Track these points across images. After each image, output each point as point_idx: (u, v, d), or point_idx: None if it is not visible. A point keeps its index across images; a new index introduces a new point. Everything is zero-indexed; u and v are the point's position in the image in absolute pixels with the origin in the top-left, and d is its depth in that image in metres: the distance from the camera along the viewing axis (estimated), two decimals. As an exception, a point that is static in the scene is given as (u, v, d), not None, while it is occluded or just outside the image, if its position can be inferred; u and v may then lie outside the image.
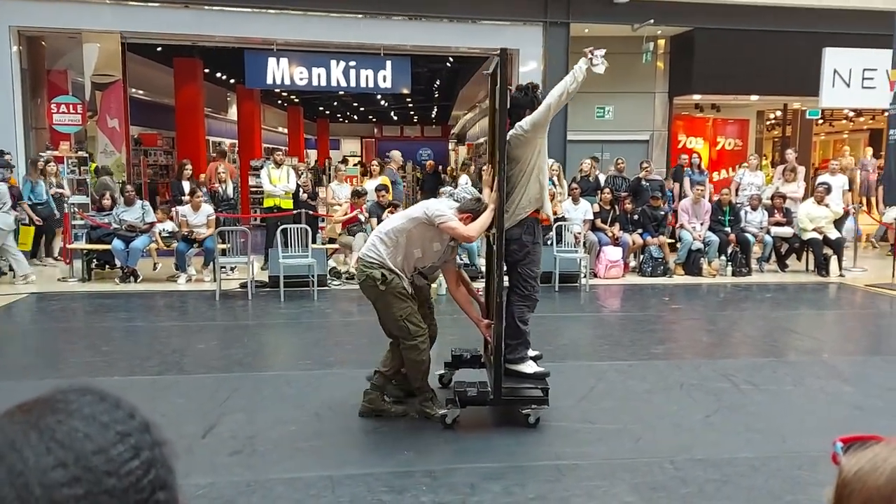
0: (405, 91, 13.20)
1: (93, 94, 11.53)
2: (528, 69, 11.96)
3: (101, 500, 0.58)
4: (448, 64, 17.76)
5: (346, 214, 9.91)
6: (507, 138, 4.31)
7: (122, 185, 10.48)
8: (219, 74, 18.45)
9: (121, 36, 11.32)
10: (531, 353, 4.54)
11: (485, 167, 4.90)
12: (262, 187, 10.99)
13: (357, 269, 4.46)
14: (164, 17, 11.13)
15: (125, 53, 11.72)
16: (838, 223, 10.62)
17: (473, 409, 4.41)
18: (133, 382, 5.12)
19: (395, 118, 33.37)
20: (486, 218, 4.30)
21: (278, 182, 10.21)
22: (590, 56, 4.33)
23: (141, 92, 16.31)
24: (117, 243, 9.09)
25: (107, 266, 9.95)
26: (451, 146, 32.05)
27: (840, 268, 10.18)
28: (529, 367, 4.46)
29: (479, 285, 5.93)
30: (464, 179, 13.67)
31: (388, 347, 4.61)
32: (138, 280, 9.25)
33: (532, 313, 4.52)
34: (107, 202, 9.69)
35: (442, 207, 4.38)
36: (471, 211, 4.38)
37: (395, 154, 12.09)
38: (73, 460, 0.59)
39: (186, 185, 10.40)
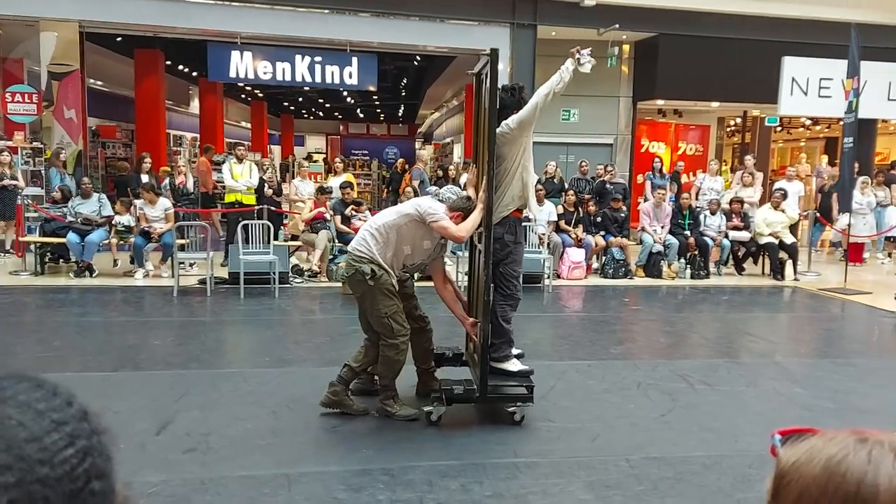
0: (371, 88, 13.15)
1: (49, 83, 11.24)
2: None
3: (34, 489, 0.57)
4: (415, 62, 17.74)
5: (311, 211, 9.82)
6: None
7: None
8: (181, 67, 18.15)
9: (79, 25, 11.06)
10: (514, 351, 4.58)
11: (470, 166, 4.90)
12: (223, 182, 10.84)
13: (346, 262, 4.43)
14: (124, 7, 10.89)
15: (83, 43, 11.46)
16: (792, 228, 10.88)
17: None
18: (86, 378, 5.00)
19: (362, 116, 33.21)
20: (475, 217, 4.30)
21: (240, 177, 10.08)
22: (577, 56, 4.37)
23: (99, 83, 15.97)
24: (72, 237, 8.89)
25: (61, 260, 9.73)
26: (417, 145, 32.03)
27: (795, 272, 10.42)
28: (514, 366, 4.51)
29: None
30: (464, 179, 13.63)
31: (362, 343, 4.57)
32: (94, 275, 9.06)
33: (515, 312, 4.56)
34: (57, 194, 9.48)
35: (434, 206, 4.38)
36: (461, 209, 4.39)
37: (423, 153, 11.95)
38: (5, 448, 0.57)
39: (145, 179, 10.21)
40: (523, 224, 9.21)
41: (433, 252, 4.50)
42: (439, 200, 4.60)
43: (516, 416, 4.30)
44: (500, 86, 4.48)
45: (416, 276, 7.81)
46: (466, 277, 8.84)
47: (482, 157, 4.55)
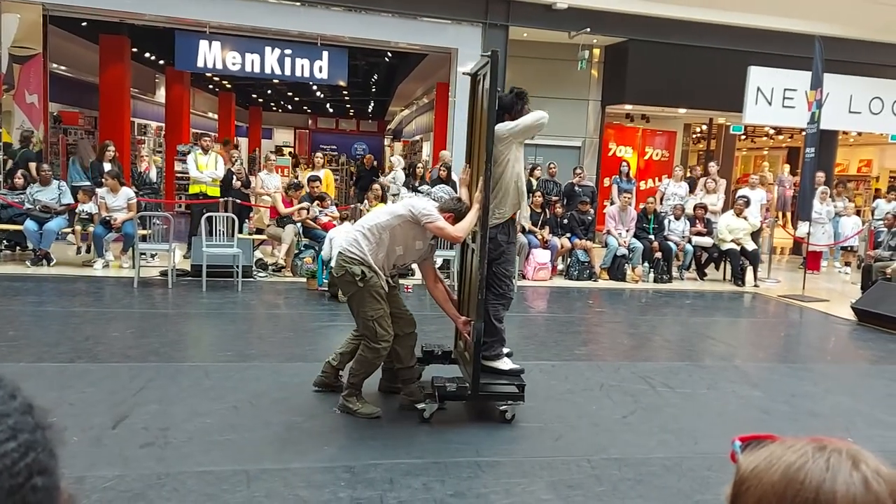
0: (341, 83, 13.03)
1: (10, 66, 10.94)
2: (467, 69, 11.99)
3: None
4: (387, 59, 17.67)
5: (298, 209, 9.57)
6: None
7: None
8: (147, 54, 17.81)
9: (43, 7, 10.78)
10: (505, 349, 4.64)
11: (463, 167, 4.97)
12: (187, 173, 10.67)
13: (336, 262, 4.44)
14: (90, -9, 10.65)
15: (47, 26, 11.17)
16: (753, 235, 11.07)
17: (392, 406, 4.41)
18: (41, 370, 4.88)
19: (331, 110, 32.98)
20: (472, 218, 4.35)
21: (205, 168, 9.94)
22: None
23: (63, 68, 15.59)
24: (30, 224, 8.68)
25: (18, 248, 9.48)
26: (386, 142, 31.94)
27: (755, 278, 10.63)
28: (505, 364, 4.58)
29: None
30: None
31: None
32: (51, 263, 8.85)
33: (507, 311, 4.62)
34: (19, 181, 9.24)
35: (429, 207, 4.41)
36: (452, 210, 4.44)
37: (446, 154, 11.78)
38: None
39: (108, 167, 10.00)
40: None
41: (424, 252, 4.54)
42: (433, 200, 4.63)
43: (507, 414, 4.36)
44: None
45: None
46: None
47: (478, 157, 4.63)
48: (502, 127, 4.37)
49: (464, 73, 5.34)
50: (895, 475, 0.71)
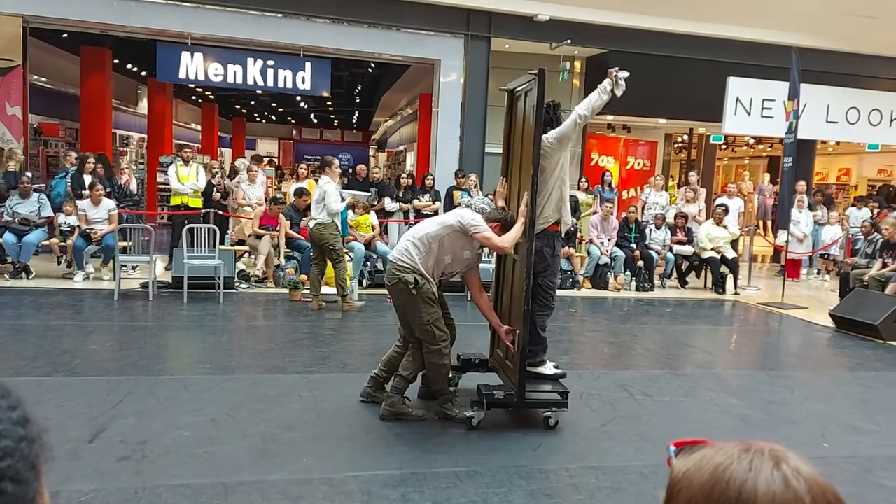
0: (325, 94, 13.05)
1: (-10, 78, 10.87)
2: (449, 80, 12.08)
3: None
4: (370, 69, 17.72)
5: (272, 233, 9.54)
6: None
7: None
8: (129, 66, 17.76)
9: (23, 19, 10.73)
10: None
11: (501, 180, 5.11)
12: (169, 184, 10.64)
13: (388, 271, 4.56)
14: (71, 3, 10.61)
15: (27, 38, 11.12)
16: (733, 244, 11.16)
17: (373, 415, 4.42)
18: (17, 384, 4.81)
19: (315, 121, 32.99)
20: (518, 229, 4.45)
21: (187, 180, 9.91)
22: (615, 76, 4.62)
23: (43, 79, 15.51)
24: (9, 237, 8.62)
25: (-4, 261, 9.40)
26: (371, 152, 31.99)
27: (735, 286, 10.72)
28: (549, 369, 4.76)
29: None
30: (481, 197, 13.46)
31: (394, 349, 4.73)
32: (30, 276, 8.78)
33: (549, 320, 4.80)
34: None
35: (477, 217, 4.53)
36: (499, 220, 4.56)
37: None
38: None
39: (88, 179, 9.94)
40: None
41: (472, 262, 4.65)
42: (474, 211, 4.74)
43: (551, 420, 4.45)
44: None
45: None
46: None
47: (515, 171, 4.77)
48: (545, 141, 4.46)
49: (500, 90, 5.46)
50: (816, 474, 0.74)
